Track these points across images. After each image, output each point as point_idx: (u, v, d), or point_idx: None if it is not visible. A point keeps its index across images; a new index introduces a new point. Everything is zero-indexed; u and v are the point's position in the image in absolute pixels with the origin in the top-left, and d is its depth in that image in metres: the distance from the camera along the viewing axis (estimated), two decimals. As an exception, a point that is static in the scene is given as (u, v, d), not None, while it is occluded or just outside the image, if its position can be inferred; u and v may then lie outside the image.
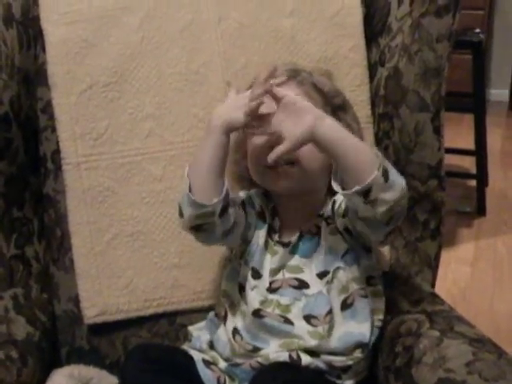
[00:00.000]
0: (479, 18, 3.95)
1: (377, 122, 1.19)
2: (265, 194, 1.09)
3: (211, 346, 1.07)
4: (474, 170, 2.90)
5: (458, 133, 3.28)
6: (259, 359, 0.99)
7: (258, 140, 1.00)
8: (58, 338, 1.20)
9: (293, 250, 1.04)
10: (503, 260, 2.47)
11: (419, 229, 1.16)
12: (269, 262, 1.04)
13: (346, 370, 1.00)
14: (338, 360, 0.99)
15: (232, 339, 1.03)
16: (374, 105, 1.19)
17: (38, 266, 1.21)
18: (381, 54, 1.18)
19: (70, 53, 1.17)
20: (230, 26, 1.19)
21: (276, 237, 1.06)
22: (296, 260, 1.04)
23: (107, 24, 1.18)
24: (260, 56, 1.19)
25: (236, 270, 1.07)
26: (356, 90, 1.18)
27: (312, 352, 0.98)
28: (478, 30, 2.75)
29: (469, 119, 2.91)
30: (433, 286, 1.18)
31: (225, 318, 1.06)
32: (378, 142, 1.18)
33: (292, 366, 0.97)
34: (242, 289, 1.05)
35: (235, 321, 1.05)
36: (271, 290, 1.03)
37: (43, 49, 1.19)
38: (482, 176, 2.85)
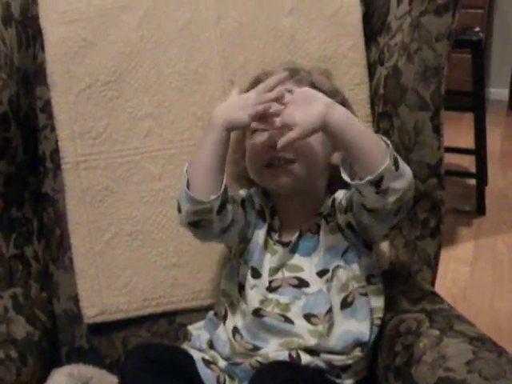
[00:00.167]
0: (479, 16, 3.95)
1: (376, 121, 1.19)
2: (264, 193, 1.09)
3: (211, 345, 1.07)
4: (473, 169, 2.90)
5: (458, 132, 3.28)
6: (259, 358, 0.99)
7: (258, 139, 1.00)
8: (58, 337, 1.20)
9: (293, 249, 1.04)
10: (503, 259, 2.47)
11: (419, 227, 1.16)
12: (268, 261, 1.04)
13: (345, 369, 1.00)
14: (338, 359, 0.99)
15: (232, 338, 1.02)
16: (373, 104, 1.19)
17: (37, 266, 1.21)
18: (380, 53, 1.18)
19: (69, 52, 1.17)
20: (229, 25, 1.19)
21: (276, 236, 1.06)
22: (296, 259, 1.04)
23: (106, 23, 1.18)
24: (259, 55, 1.19)
25: (235, 270, 1.07)
26: (355, 88, 1.18)
27: (312, 351, 0.98)
28: (477, 29, 2.75)
29: (468, 118, 2.91)
30: (432, 284, 1.18)
31: (224, 318, 1.06)
32: (378, 140, 1.18)
33: (292, 365, 0.97)
34: (241, 288, 1.05)
35: (235, 320, 1.05)
36: (271, 289, 1.03)
37: (42, 48, 1.19)
38: (481, 175, 2.85)
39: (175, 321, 1.19)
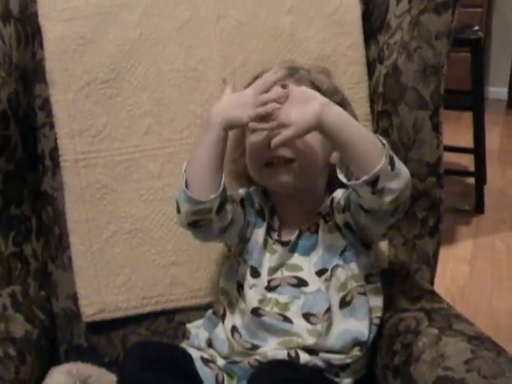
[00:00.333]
0: (477, 15, 3.95)
1: (375, 119, 1.18)
2: (264, 193, 1.09)
3: (209, 343, 1.07)
4: (472, 168, 2.90)
5: (457, 131, 3.29)
6: (257, 357, 0.99)
7: (257, 137, 1.00)
8: (57, 335, 1.20)
9: (292, 248, 1.04)
10: (502, 258, 2.47)
11: (418, 226, 1.16)
12: (268, 261, 1.04)
13: (344, 368, 1.00)
14: (337, 358, 0.99)
15: (231, 337, 1.02)
16: (372, 102, 1.19)
17: (36, 264, 1.20)
18: (379, 52, 1.18)
19: (67, 50, 1.17)
20: (228, 24, 1.19)
21: (275, 235, 1.06)
22: (295, 258, 1.04)
23: (105, 21, 1.17)
24: (258, 54, 1.18)
25: (234, 268, 1.07)
26: (354, 87, 1.18)
27: (310, 350, 0.98)
28: (476, 28, 2.75)
29: (467, 117, 2.92)
30: (431, 283, 1.18)
31: (223, 316, 1.06)
32: (377, 139, 1.18)
33: (290, 363, 0.97)
34: (240, 287, 1.05)
35: (234, 319, 1.04)
36: (270, 288, 1.03)
37: (41, 46, 1.19)
38: (480, 174, 2.85)
39: (174, 319, 1.19)
